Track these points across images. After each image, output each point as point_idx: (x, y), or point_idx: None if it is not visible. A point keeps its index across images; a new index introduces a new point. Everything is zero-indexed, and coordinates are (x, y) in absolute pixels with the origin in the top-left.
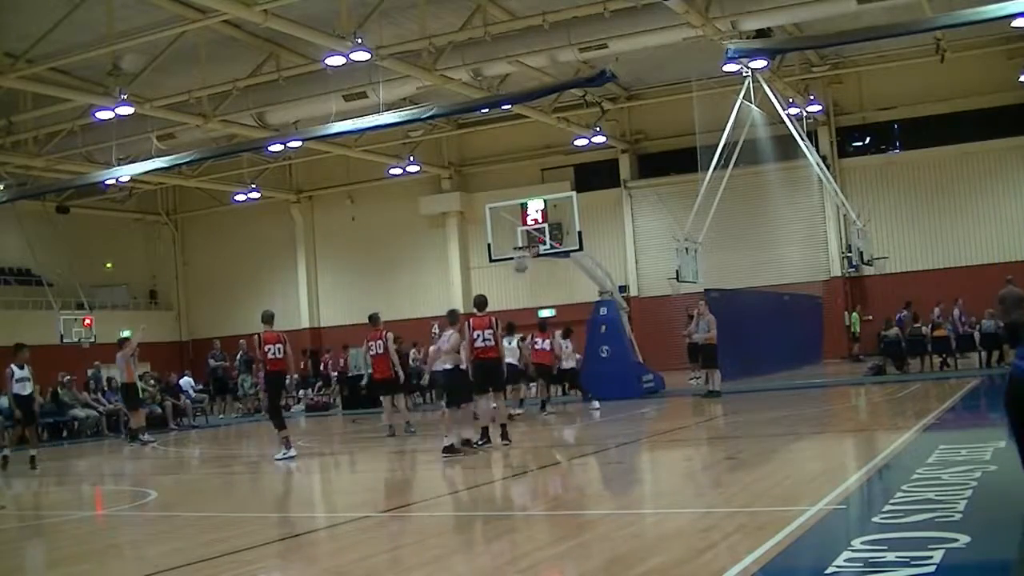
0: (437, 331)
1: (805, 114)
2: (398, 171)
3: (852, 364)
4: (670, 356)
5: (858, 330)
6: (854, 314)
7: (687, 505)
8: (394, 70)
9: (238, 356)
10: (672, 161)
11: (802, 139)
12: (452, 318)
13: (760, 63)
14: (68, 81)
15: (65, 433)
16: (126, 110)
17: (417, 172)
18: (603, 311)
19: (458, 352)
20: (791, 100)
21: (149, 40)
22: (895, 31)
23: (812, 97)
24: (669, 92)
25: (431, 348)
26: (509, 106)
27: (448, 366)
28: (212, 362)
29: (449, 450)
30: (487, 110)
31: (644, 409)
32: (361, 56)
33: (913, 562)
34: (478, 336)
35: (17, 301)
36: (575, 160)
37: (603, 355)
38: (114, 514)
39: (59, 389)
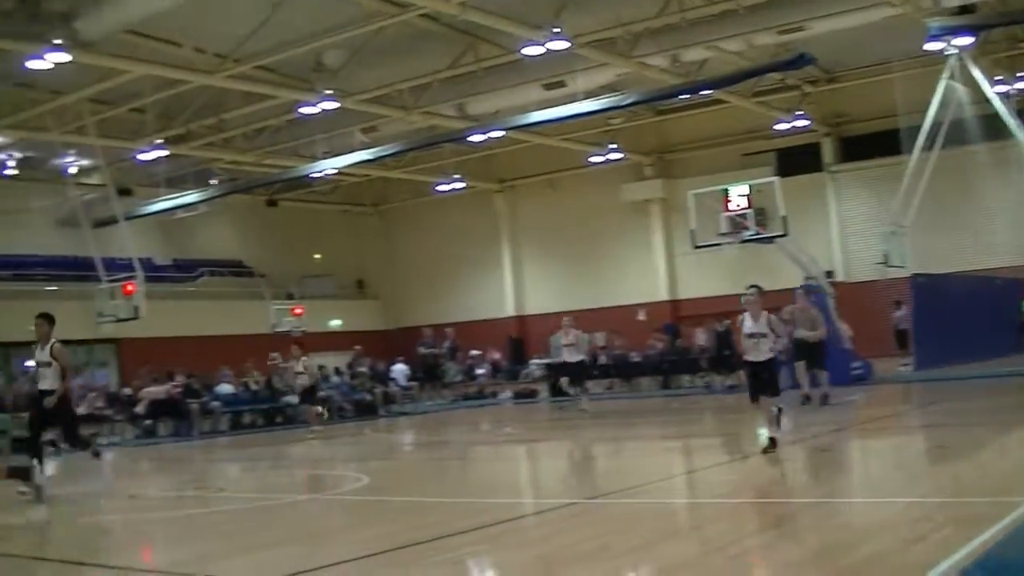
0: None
1: (1013, 92)
2: (599, 159)
3: None
4: (879, 342)
5: None
6: None
7: (895, 495)
8: (592, 58)
9: (445, 344)
10: (876, 143)
11: (1012, 118)
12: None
13: (964, 40)
14: (274, 79)
15: (279, 419)
16: (330, 105)
17: (618, 160)
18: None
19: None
20: (999, 77)
21: (349, 36)
22: None
23: (1020, 74)
24: (871, 73)
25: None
26: (708, 91)
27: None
28: (422, 349)
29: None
30: (686, 96)
31: (852, 396)
32: (558, 45)
33: None
34: None
35: (231, 292)
36: (777, 144)
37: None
38: (326, 498)
39: (272, 377)
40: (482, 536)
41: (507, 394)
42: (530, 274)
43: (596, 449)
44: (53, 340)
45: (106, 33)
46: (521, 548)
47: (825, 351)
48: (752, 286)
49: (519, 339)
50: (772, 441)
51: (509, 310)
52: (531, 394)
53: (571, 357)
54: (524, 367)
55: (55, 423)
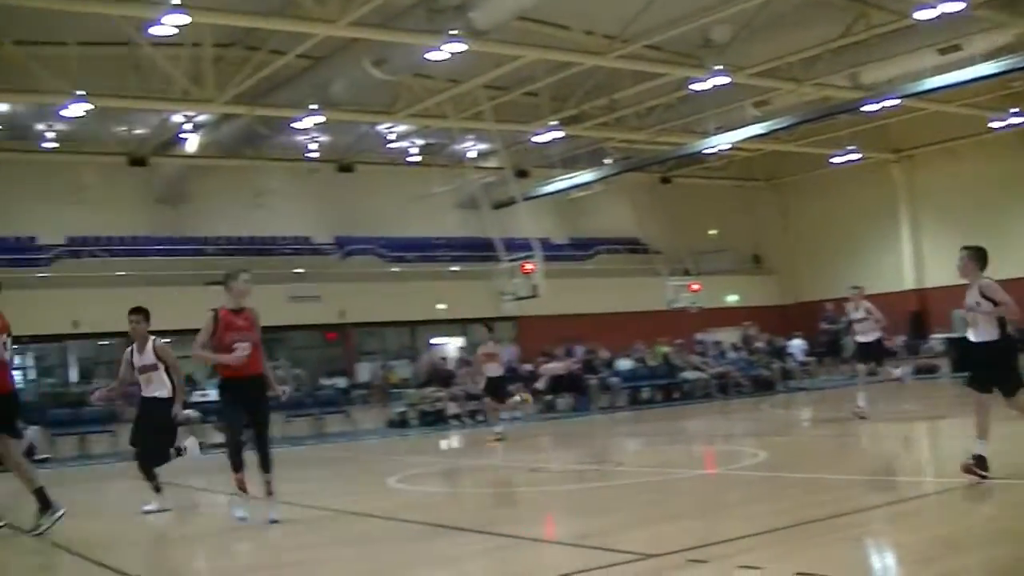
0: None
1: None
2: (999, 124)
3: None
4: None
5: None
6: None
7: None
8: (989, 19)
9: (843, 319)
10: None
11: None
12: None
13: None
14: (662, 57)
15: (676, 395)
16: (720, 80)
17: (1020, 124)
18: None
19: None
20: None
21: (737, 11)
22: None
23: None
24: None
25: None
26: None
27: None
28: (825, 324)
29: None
30: None
31: None
32: (953, 7)
33: None
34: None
35: (626, 269)
36: None
37: None
38: (723, 473)
39: (668, 353)
40: (879, 515)
41: (908, 369)
42: (929, 246)
43: (998, 429)
44: (153, 338)
45: (499, 21)
46: (918, 529)
47: None
48: (966, 247)
49: (919, 313)
50: (979, 460)
51: (909, 283)
52: (932, 369)
53: (863, 336)
54: (924, 342)
55: (160, 438)
